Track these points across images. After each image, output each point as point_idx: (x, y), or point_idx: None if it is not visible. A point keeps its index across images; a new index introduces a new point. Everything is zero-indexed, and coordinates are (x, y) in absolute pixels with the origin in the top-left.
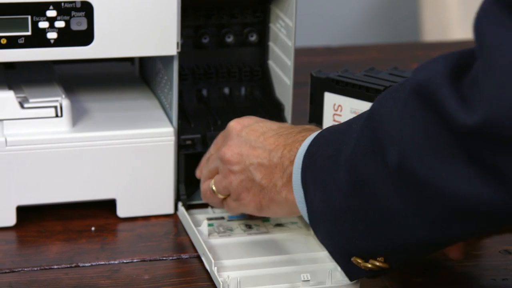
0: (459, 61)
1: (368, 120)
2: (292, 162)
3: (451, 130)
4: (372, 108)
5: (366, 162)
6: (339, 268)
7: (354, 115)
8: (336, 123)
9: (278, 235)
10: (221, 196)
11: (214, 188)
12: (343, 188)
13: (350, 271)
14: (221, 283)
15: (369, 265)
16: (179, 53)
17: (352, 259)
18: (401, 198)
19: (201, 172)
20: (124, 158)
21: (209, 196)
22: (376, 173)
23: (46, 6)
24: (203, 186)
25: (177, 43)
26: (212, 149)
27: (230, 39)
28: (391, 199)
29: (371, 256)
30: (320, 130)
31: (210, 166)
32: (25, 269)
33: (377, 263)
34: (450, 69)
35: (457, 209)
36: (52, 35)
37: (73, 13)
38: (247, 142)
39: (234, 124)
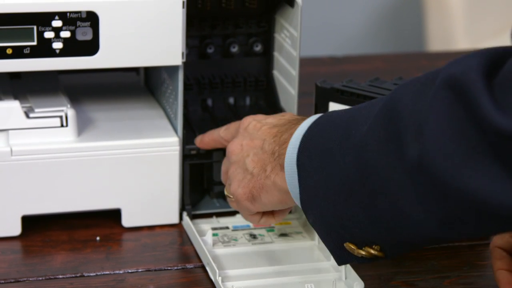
0: (493, 58)
1: (385, 109)
2: (282, 145)
3: (483, 130)
4: (391, 97)
5: (379, 150)
6: (343, 278)
7: None
8: None
9: (282, 245)
10: (228, 195)
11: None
12: (348, 173)
13: (340, 256)
14: None
15: (363, 253)
16: (184, 63)
17: (344, 244)
18: (414, 193)
19: (202, 139)
20: (129, 168)
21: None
22: (389, 163)
23: (51, 16)
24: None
25: (182, 53)
26: (227, 132)
27: (235, 49)
28: (402, 192)
29: (367, 244)
30: (321, 114)
31: (226, 160)
32: (30, 279)
33: (372, 251)
34: (485, 66)
35: (478, 210)
36: (57, 45)
37: (78, 23)
38: (249, 135)
39: (247, 119)
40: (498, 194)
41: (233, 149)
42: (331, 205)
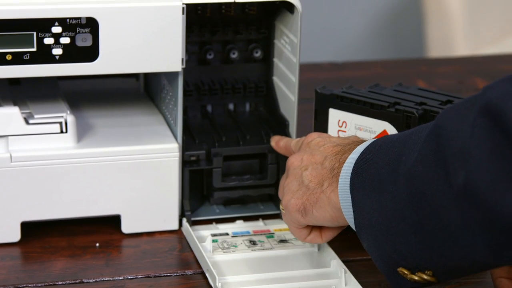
0: None
1: (432, 135)
2: (342, 164)
3: None
4: (437, 122)
5: (429, 176)
6: (343, 285)
7: (359, 131)
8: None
9: (282, 251)
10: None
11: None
12: (400, 198)
13: (395, 281)
14: None
15: (416, 278)
16: (184, 69)
17: (398, 269)
18: (463, 218)
19: (276, 141)
20: (129, 174)
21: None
22: (438, 188)
23: (51, 22)
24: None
25: (182, 59)
26: (298, 145)
27: (234, 55)
28: (452, 217)
29: (419, 269)
30: (375, 139)
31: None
32: (30, 285)
33: (425, 277)
34: None
35: None
36: (57, 51)
37: (78, 29)
38: (310, 150)
39: (309, 135)
40: None
41: (292, 161)
42: (384, 231)
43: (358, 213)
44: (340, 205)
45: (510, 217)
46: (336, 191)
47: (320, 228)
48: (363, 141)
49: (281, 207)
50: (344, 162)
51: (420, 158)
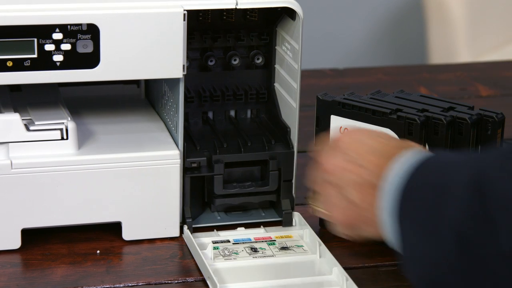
0: None
1: (477, 189)
2: (384, 181)
3: None
4: (479, 171)
5: (476, 231)
6: None
7: None
8: None
9: (283, 259)
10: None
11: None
12: (446, 245)
13: None
14: None
15: None
16: (185, 76)
17: None
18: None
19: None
20: (130, 181)
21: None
22: (488, 246)
23: (52, 29)
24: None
25: (183, 66)
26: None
27: (236, 61)
28: (503, 274)
29: None
30: (415, 160)
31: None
32: None
33: None
34: None
35: None
36: (58, 58)
37: (79, 35)
38: (350, 158)
39: (344, 136)
40: None
41: (332, 169)
42: (430, 269)
43: (405, 245)
44: (384, 227)
45: None
46: (382, 211)
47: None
48: (397, 143)
49: (313, 205)
50: (388, 182)
51: (464, 204)
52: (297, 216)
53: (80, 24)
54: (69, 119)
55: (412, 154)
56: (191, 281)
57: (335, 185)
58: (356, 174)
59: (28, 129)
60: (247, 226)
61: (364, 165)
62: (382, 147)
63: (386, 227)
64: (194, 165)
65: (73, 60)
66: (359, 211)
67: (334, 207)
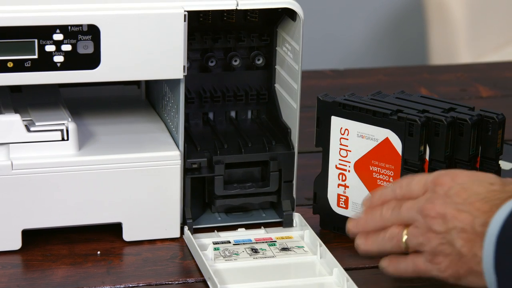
0: None
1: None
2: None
3: None
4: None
5: None
6: None
7: (361, 139)
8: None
9: (284, 260)
10: (405, 249)
11: (405, 239)
12: None
13: None
14: None
15: None
16: (186, 77)
17: None
18: None
19: (371, 201)
20: (130, 182)
21: (394, 244)
22: None
23: (52, 29)
24: (391, 230)
25: (184, 67)
26: (397, 189)
27: (236, 62)
28: None
29: None
30: None
31: (403, 215)
32: None
33: None
34: None
35: None
36: (58, 59)
37: (79, 36)
38: (454, 203)
39: (446, 179)
40: None
41: (433, 215)
42: None
43: None
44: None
45: None
46: (485, 262)
47: None
48: (506, 188)
49: (404, 237)
50: (489, 230)
51: None
52: (297, 217)
53: (81, 25)
54: (70, 120)
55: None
56: (192, 282)
57: (440, 233)
58: (459, 220)
59: (28, 130)
60: (248, 227)
61: (471, 212)
62: (488, 193)
63: (488, 279)
64: (195, 166)
65: (74, 61)
66: (465, 261)
67: (440, 257)
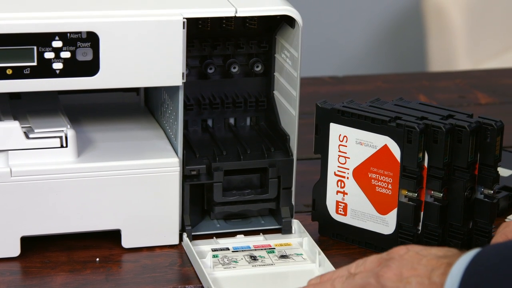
0: None
1: None
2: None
3: None
4: None
5: None
6: None
7: (360, 145)
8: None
9: (283, 267)
10: None
11: None
12: None
13: None
14: None
15: None
16: (184, 83)
17: None
18: None
19: (321, 277)
20: (129, 189)
21: None
22: None
23: (52, 36)
24: None
25: (183, 74)
26: (353, 268)
27: (235, 69)
28: None
29: None
30: (471, 260)
31: (357, 281)
32: None
33: None
34: None
35: None
36: (57, 66)
37: (78, 43)
38: (409, 264)
39: (400, 248)
40: None
41: (389, 276)
42: None
43: None
44: None
45: None
46: None
47: None
48: (461, 252)
49: None
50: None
51: None
52: (296, 224)
53: (80, 32)
54: (69, 127)
55: (462, 258)
56: None
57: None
58: (415, 275)
59: (27, 137)
60: (247, 233)
61: (427, 267)
62: (446, 252)
63: None
64: (194, 172)
65: (73, 68)
66: None
67: None
